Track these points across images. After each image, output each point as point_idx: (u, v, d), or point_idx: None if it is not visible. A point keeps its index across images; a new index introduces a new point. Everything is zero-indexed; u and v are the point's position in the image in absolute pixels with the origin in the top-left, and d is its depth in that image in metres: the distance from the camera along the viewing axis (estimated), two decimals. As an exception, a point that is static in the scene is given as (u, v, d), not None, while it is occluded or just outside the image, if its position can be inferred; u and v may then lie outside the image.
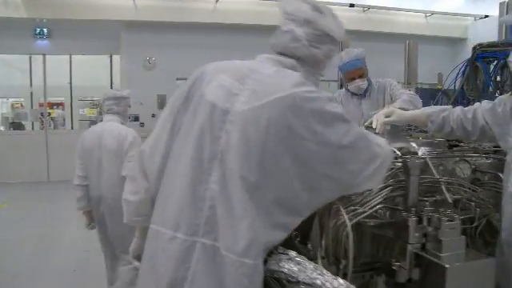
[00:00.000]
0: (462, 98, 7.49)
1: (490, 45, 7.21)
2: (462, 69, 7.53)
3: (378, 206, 1.84)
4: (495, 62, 7.08)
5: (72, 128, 12.22)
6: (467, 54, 12.88)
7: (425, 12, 12.23)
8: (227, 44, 11.12)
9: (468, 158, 2.30)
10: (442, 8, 12.19)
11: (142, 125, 10.83)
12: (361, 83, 3.53)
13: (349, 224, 1.70)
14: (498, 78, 7.13)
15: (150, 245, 1.56)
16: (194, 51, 10.86)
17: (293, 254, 1.49)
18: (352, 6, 11.60)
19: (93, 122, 12.45)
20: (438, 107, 2.50)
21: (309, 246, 1.93)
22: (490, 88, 7.10)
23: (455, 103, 7.66)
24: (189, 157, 1.50)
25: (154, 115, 10.89)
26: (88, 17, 10.06)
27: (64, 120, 13.04)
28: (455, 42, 13.13)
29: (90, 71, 11.82)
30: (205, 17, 10.64)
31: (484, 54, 7.17)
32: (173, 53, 10.73)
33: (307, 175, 1.44)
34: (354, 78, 3.51)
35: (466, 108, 2.37)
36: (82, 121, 12.42)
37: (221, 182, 1.43)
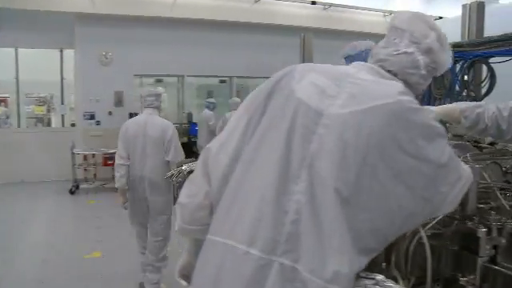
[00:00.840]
0: (428, 97, 7.58)
1: (456, 45, 7.31)
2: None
3: (439, 217, 1.67)
4: (461, 61, 7.21)
5: (19, 126, 11.36)
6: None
7: (383, 11, 12.39)
8: (187, 39, 10.78)
9: (499, 160, 2.20)
10: (400, 8, 12.39)
11: (98, 123, 10.28)
12: None
13: (425, 236, 1.52)
14: (466, 78, 7.26)
15: (209, 260, 1.31)
16: (152, 47, 10.44)
17: (380, 277, 1.28)
18: (314, 3, 11.56)
19: (39, 120, 11.73)
20: (472, 103, 2.37)
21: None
22: (457, 87, 7.22)
23: (422, 102, 7.72)
24: (271, 161, 1.28)
25: (110, 113, 10.36)
26: (39, 7, 9.37)
27: (8, 118, 12.13)
28: (412, 42, 13.41)
29: (39, 66, 11.04)
30: (164, 11, 10.22)
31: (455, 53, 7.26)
32: (130, 48, 10.25)
33: (405, 195, 1.25)
34: None
35: (502, 105, 2.25)
36: (30, 118, 11.64)
37: (308, 192, 1.22)
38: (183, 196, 1.52)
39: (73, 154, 9.31)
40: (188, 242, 1.61)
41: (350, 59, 3.31)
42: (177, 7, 10.25)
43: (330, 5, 11.81)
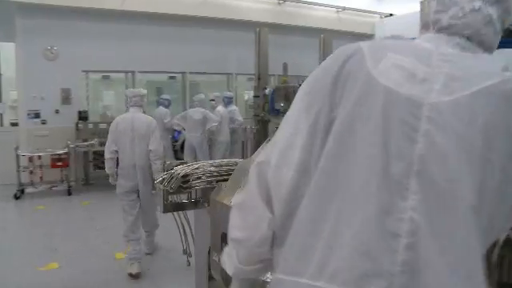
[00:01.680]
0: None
1: (419, 40, 7.40)
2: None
3: None
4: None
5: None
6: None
7: (337, 7, 12.43)
8: (139, 34, 10.29)
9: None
10: (352, 4, 12.51)
11: (44, 122, 9.57)
12: None
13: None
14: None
15: None
16: (102, 41, 9.89)
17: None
18: (268, -3, 11.41)
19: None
20: None
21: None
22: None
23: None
24: (363, 170, 0.98)
25: (57, 111, 9.68)
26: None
27: None
28: (363, 38, 13.52)
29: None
30: (115, 4, 9.67)
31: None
32: (78, 42, 9.61)
33: None
34: None
35: None
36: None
37: (424, 208, 0.93)
38: (237, 229, 1.22)
39: (17, 155, 8.60)
40: (236, 285, 1.29)
41: None
42: (128, 0, 9.74)
43: (285, 0, 11.71)
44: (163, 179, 2.34)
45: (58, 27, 9.48)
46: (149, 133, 5.14)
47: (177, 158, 9.59)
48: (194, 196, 2.55)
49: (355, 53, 1.10)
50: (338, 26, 12.57)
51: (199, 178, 2.29)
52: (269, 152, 1.15)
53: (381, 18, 13.43)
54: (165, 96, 9.84)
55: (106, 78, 11.23)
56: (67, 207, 8.16)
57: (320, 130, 1.07)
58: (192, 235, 2.76)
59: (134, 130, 5.12)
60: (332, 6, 12.35)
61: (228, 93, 10.87)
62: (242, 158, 11.84)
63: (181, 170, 2.31)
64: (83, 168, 9.62)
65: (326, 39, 11.39)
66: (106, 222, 6.88)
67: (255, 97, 11.03)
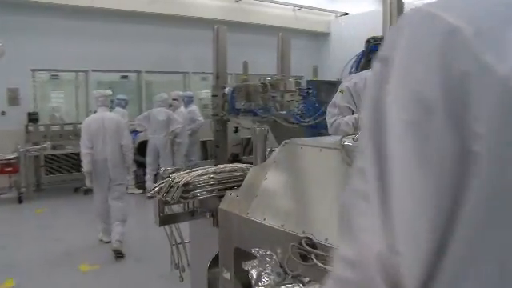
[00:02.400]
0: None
1: (383, 38, 7.41)
2: (357, 61, 7.67)
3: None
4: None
5: None
6: (331, 48, 13.68)
7: (293, 5, 12.39)
8: (92, 31, 9.78)
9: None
10: (309, 3, 12.51)
11: (-10, 125, 8.88)
12: None
13: None
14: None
15: None
16: (53, 38, 9.31)
17: None
18: (225, -5, 11.19)
19: None
20: None
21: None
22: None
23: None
24: None
25: (3, 113, 9.03)
26: None
27: None
28: (319, 37, 13.65)
29: None
30: (66, -1, 9.13)
31: (377, 47, 7.35)
32: (27, 39, 8.99)
33: None
34: None
35: None
36: None
37: None
38: None
39: (-40, 162, 7.92)
40: None
41: None
42: (80, -6, 9.23)
43: (242, -3, 11.54)
44: (160, 189, 2.09)
45: (4, 22, 8.82)
46: (119, 129, 5.74)
47: (134, 161, 9.17)
48: (190, 205, 2.31)
49: (451, 38, 0.61)
50: (294, 24, 12.52)
51: (202, 186, 2.07)
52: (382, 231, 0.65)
53: (336, 16, 13.51)
54: (121, 96, 9.40)
55: (54, 77, 10.60)
56: (19, 216, 7.59)
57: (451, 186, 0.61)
58: (184, 247, 2.52)
59: (105, 128, 5.66)
60: (288, 4, 12.29)
61: (188, 92, 10.56)
62: (204, 159, 11.57)
63: (180, 178, 2.07)
64: (34, 173, 9.01)
65: (284, 38, 11.34)
66: (65, 230, 6.44)
67: (214, 96, 10.79)
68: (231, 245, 1.90)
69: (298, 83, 8.79)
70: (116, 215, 5.70)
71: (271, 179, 1.85)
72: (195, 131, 9.89)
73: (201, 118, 10.20)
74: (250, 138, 12.50)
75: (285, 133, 9.87)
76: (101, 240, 5.91)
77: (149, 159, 8.61)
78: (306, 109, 8.30)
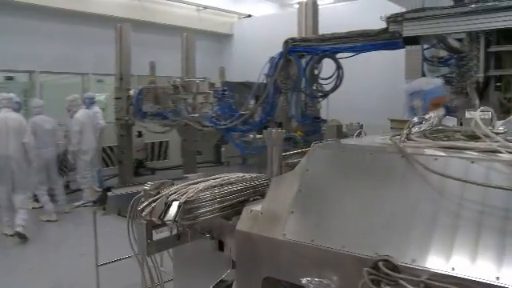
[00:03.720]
0: (274, 91, 7.48)
1: (304, 39, 7.38)
2: (275, 62, 7.52)
3: None
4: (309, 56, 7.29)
5: None
6: (234, 49, 13.46)
7: (197, 5, 11.99)
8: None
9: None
10: (212, 3, 12.21)
11: None
12: None
13: None
14: (316, 72, 7.38)
15: None
16: None
17: None
18: (126, -9, 10.46)
19: None
20: None
21: None
22: (304, 81, 7.28)
23: (268, 97, 7.58)
24: None
25: None
26: None
27: None
28: (222, 38, 13.41)
29: None
30: None
31: (296, 48, 7.30)
32: None
33: None
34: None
35: None
36: None
37: None
38: None
39: None
40: None
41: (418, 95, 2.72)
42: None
43: (144, -5, 10.88)
44: (153, 208, 1.63)
45: None
46: (21, 129, 6.35)
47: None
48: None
49: None
50: (198, 24, 12.16)
51: (206, 204, 1.65)
52: None
53: (239, 18, 13.38)
54: (15, 98, 8.20)
55: None
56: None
57: None
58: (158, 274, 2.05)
59: (8, 127, 6.23)
60: (192, 4, 11.87)
61: (89, 93, 9.64)
62: (108, 166, 10.63)
63: (177, 194, 1.63)
64: None
65: (188, 38, 10.88)
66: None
67: (117, 99, 9.99)
68: (258, 275, 1.52)
69: (211, 85, 8.43)
70: (19, 205, 6.30)
71: (308, 191, 1.52)
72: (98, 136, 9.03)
73: (102, 122, 9.39)
74: (157, 143, 11.82)
75: (196, 136, 9.51)
76: (5, 234, 6.36)
77: (40, 177, 7.35)
78: (222, 111, 7.98)
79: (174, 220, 1.58)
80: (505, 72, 5.18)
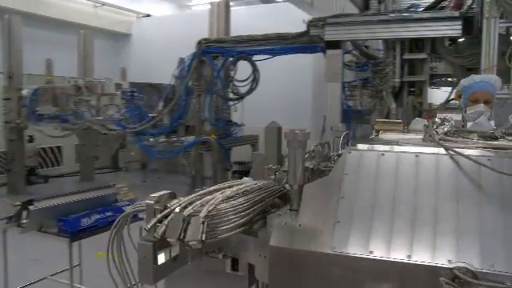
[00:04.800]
0: (186, 94, 7.18)
1: (218, 40, 7.18)
2: (189, 63, 7.21)
3: None
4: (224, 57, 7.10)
5: None
6: (132, 49, 12.78)
7: (94, 1, 11.22)
8: None
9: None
10: (109, 0, 11.52)
11: None
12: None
13: None
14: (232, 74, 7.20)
15: None
16: None
17: None
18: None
19: None
20: None
21: None
22: (219, 83, 7.09)
23: (179, 99, 7.30)
24: None
25: None
26: None
27: None
28: (120, 37, 12.71)
29: None
30: None
31: (210, 49, 7.07)
32: None
33: None
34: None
35: None
36: None
37: None
38: None
39: None
40: None
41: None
42: None
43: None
44: (167, 227, 1.35)
45: None
46: None
47: None
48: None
49: None
50: (95, 22, 11.41)
51: (230, 217, 1.41)
52: None
53: (138, 17, 12.78)
54: None
55: None
56: None
57: None
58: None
59: None
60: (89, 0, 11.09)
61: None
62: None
63: (193, 208, 1.37)
64: None
65: (86, 36, 10.11)
66: None
67: (6, 99, 8.93)
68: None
69: (118, 85, 7.89)
70: None
71: (352, 198, 1.38)
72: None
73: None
74: (49, 148, 10.70)
75: (98, 141, 8.83)
76: None
77: None
78: (131, 114, 7.49)
79: (200, 239, 1.33)
80: (418, 78, 5.56)
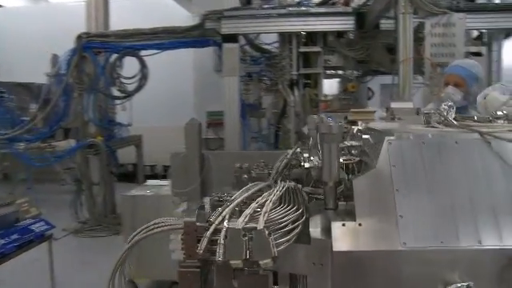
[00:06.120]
0: (66, 93, 6.45)
1: (101, 35, 6.54)
2: (69, 59, 6.44)
3: None
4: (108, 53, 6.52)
5: None
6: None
7: None
8: None
9: None
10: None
11: None
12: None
13: None
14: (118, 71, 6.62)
15: None
16: None
17: None
18: None
19: None
20: None
21: None
22: (103, 80, 6.50)
23: (58, 99, 6.58)
24: None
25: None
26: None
27: None
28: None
29: None
30: None
31: (93, 44, 6.42)
32: None
33: None
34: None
35: None
36: None
37: None
38: None
39: None
40: None
41: None
42: None
43: None
44: (225, 247, 1.15)
45: None
46: None
47: None
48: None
49: None
50: None
51: (283, 225, 1.26)
52: None
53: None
54: None
55: None
56: None
57: None
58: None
59: None
60: None
61: None
62: None
63: (244, 220, 1.19)
64: None
65: None
66: None
67: None
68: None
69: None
70: None
71: (407, 189, 1.34)
72: None
73: None
74: None
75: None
76: None
77: None
78: (1, 117, 6.52)
79: (275, 256, 1.15)
80: (313, 70, 5.78)
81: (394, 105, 2.52)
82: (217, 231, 1.24)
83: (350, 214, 1.39)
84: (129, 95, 6.84)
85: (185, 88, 9.28)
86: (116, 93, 6.86)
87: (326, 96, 5.96)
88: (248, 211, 1.28)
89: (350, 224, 1.32)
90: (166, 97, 9.10)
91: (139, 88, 6.73)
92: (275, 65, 5.91)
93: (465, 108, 2.67)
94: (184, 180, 4.05)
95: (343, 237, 1.30)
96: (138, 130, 7.73)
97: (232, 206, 1.32)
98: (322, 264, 1.33)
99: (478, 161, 1.40)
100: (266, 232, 1.19)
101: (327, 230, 1.37)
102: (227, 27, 5.56)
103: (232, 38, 5.64)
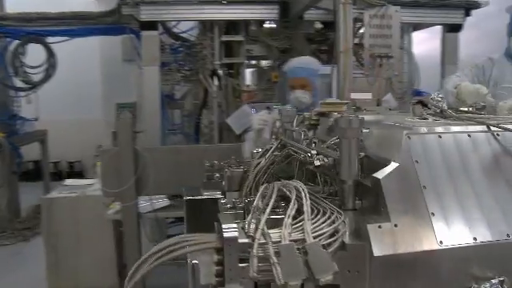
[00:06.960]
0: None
1: (-1, 18, 5.76)
2: None
3: None
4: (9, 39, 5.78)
5: None
6: None
7: None
8: None
9: None
10: None
11: None
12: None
13: None
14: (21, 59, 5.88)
15: None
16: None
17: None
18: None
19: None
20: None
21: None
22: (2, 69, 5.76)
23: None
24: None
25: None
26: None
27: None
28: None
29: None
30: None
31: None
32: None
33: None
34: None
35: None
36: None
37: None
38: None
39: None
40: None
41: None
42: None
43: None
44: (281, 266, 1.02)
45: None
46: None
47: None
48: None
49: None
50: None
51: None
52: None
53: None
54: None
55: None
56: None
57: None
58: None
59: None
60: None
61: None
62: None
63: (294, 231, 1.07)
64: None
65: None
66: None
67: None
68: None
69: None
70: None
71: (434, 186, 1.33)
72: None
73: None
74: None
75: None
76: None
77: None
78: None
79: (336, 271, 1.05)
80: (236, 60, 5.68)
81: (354, 95, 2.54)
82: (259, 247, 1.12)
83: (374, 214, 1.34)
84: (34, 86, 6.20)
85: (90, 78, 8.66)
86: (19, 84, 6.19)
87: (248, 86, 5.91)
88: (288, 220, 1.18)
89: (385, 226, 1.27)
90: (69, 88, 8.43)
91: (46, 79, 6.13)
92: (195, 54, 5.72)
93: (313, 105, 2.79)
94: (116, 179, 3.77)
95: (382, 240, 1.25)
96: (42, 125, 7.08)
97: (265, 216, 1.21)
98: (359, 271, 1.27)
99: (491, 153, 1.44)
100: (320, 245, 1.10)
101: (357, 234, 1.31)
102: (146, 14, 5.25)
103: (151, 25, 5.34)
